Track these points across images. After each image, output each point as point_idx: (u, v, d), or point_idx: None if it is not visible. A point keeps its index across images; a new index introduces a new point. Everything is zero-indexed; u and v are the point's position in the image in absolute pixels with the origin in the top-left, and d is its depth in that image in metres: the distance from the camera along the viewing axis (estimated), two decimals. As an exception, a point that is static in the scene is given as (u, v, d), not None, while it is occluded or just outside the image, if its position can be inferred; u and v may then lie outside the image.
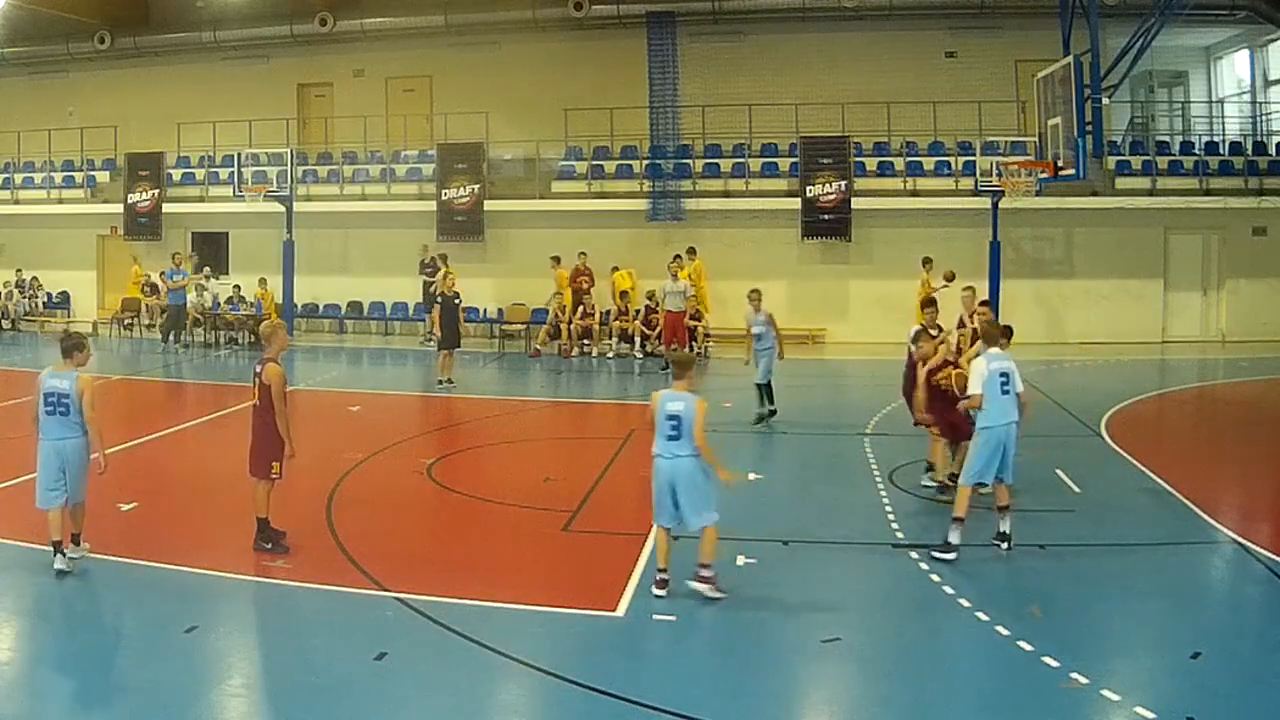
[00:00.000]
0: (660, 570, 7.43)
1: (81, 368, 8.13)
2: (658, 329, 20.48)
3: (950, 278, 20.04)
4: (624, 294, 21.63)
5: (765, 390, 13.48)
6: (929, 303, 11.20)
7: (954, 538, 8.14)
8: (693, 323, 20.05)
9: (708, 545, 7.31)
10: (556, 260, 21.89)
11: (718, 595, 7.27)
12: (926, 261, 19.88)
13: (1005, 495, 8.43)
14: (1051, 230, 22.28)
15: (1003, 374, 8.30)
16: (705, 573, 7.32)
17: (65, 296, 26.57)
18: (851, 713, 6.20)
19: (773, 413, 13.48)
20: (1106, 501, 10.00)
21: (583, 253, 21.97)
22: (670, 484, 7.23)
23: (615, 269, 22.03)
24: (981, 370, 8.31)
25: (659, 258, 21.49)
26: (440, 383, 16.66)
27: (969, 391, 8.42)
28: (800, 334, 22.33)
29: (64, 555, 7.81)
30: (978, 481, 8.34)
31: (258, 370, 8.20)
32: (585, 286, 21.82)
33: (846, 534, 9.06)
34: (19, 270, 26.05)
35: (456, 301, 17.18)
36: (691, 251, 21.24)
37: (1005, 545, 8.34)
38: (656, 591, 7.35)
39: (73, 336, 8.44)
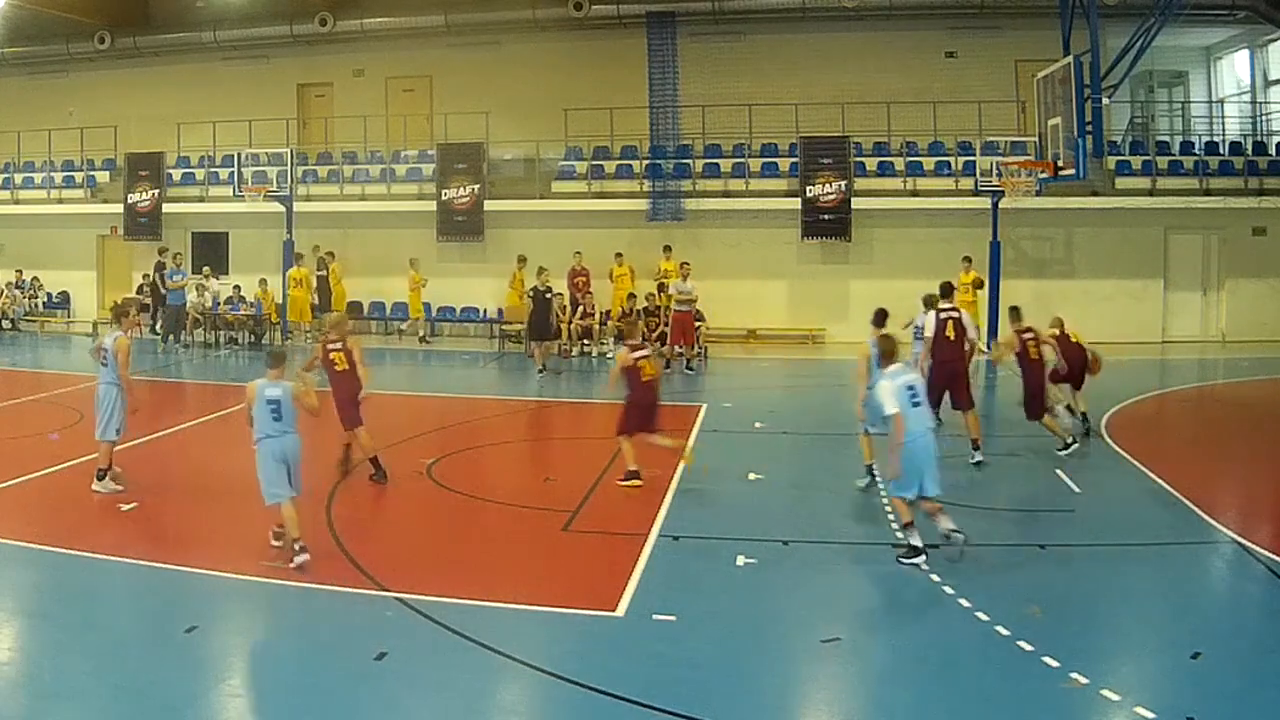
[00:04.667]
0: (296, 539, 7.86)
1: (127, 331, 10.09)
2: (658, 330, 20.47)
3: (980, 284, 20.12)
4: (631, 295, 21.57)
5: None
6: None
7: (914, 540, 8.06)
8: (695, 323, 20.04)
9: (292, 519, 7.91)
10: (619, 257, 22.13)
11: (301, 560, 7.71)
12: (967, 260, 20.31)
13: (933, 506, 8.20)
14: (1051, 230, 22.30)
15: (909, 387, 8.19)
16: (299, 544, 7.85)
17: (65, 297, 26.58)
18: (851, 713, 6.19)
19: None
20: (1106, 501, 10.00)
21: (578, 252, 21.97)
22: (284, 458, 7.95)
23: (619, 255, 22.08)
24: (889, 389, 8.10)
25: (659, 258, 21.51)
26: (542, 371, 18.05)
27: (886, 412, 8.08)
28: (800, 334, 22.37)
29: (100, 481, 9.83)
30: (905, 493, 8.13)
31: (339, 346, 10.54)
32: (582, 286, 21.82)
33: (846, 534, 9.06)
34: (19, 271, 26.06)
35: (548, 296, 18.81)
36: (667, 249, 21.38)
37: (961, 538, 8.10)
38: (301, 558, 7.76)
39: (122, 305, 10.58)
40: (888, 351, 8.57)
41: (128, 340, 10.11)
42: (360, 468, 10.71)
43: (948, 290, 11.57)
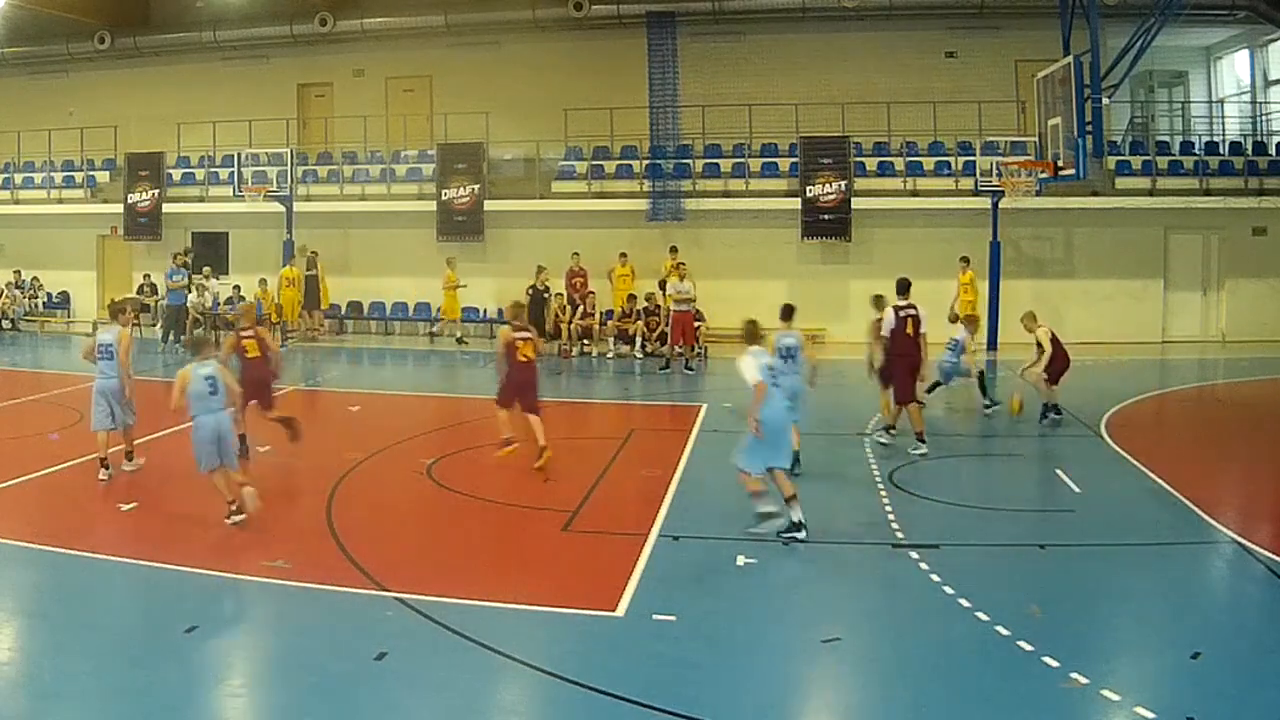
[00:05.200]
0: (231, 501, 8.86)
1: (125, 326, 10.62)
2: (657, 330, 20.49)
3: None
4: (632, 296, 21.54)
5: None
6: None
7: (796, 514, 8.64)
8: (695, 323, 20.05)
9: (238, 481, 8.92)
10: (623, 256, 22.13)
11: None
12: (964, 259, 20.46)
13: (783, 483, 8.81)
14: (1051, 230, 22.30)
15: (770, 367, 8.91)
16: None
17: (65, 296, 26.60)
18: (851, 713, 6.19)
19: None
20: (1106, 501, 9.99)
21: (575, 253, 21.98)
22: (218, 434, 8.84)
23: (623, 254, 22.04)
24: (752, 365, 8.80)
25: (659, 258, 21.50)
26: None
27: (750, 382, 8.75)
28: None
29: (107, 470, 10.25)
30: (753, 469, 8.72)
31: (250, 334, 11.25)
32: (579, 287, 21.82)
33: (846, 534, 9.06)
34: (17, 271, 26.05)
35: (545, 295, 19.15)
36: (674, 250, 21.30)
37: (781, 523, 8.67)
38: (237, 518, 8.79)
39: (118, 303, 11.20)
40: (751, 333, 9.33)
41: (129, 332, 10.54)
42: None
43: (904, 287, 12.02)
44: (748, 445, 8.72)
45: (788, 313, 11.23)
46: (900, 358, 11.82)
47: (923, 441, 11.70)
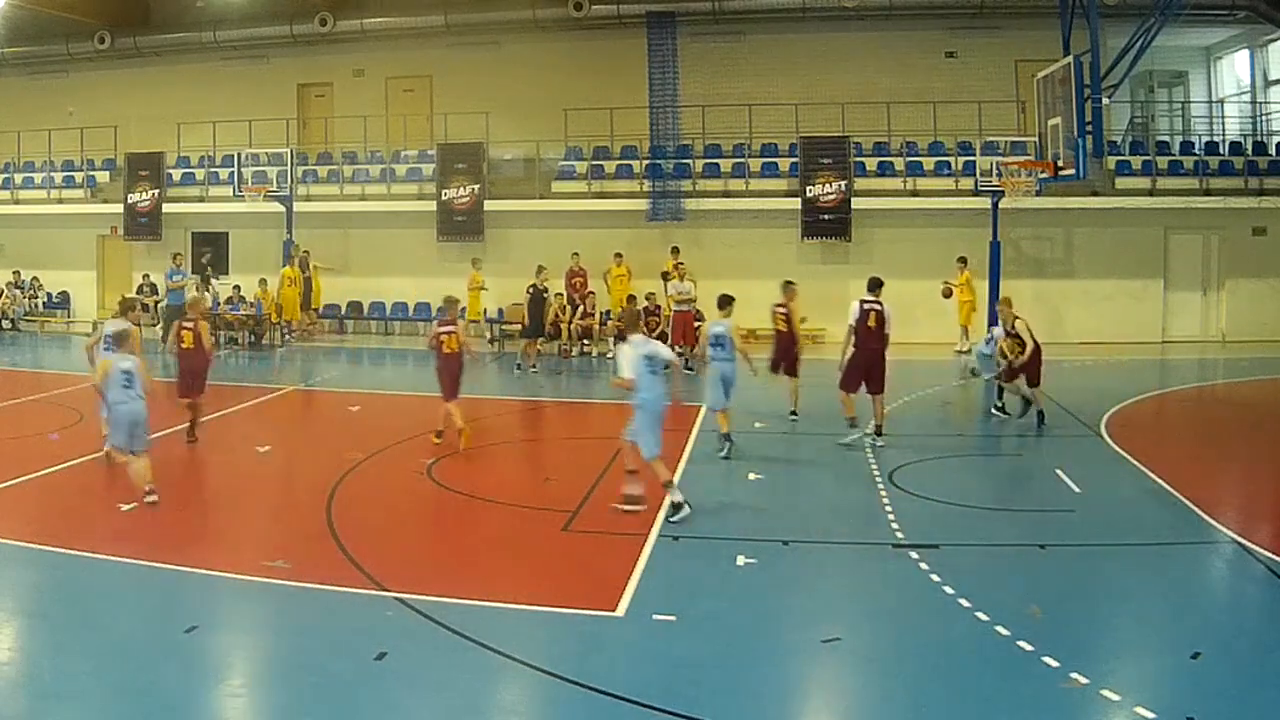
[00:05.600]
0: (147, 483, 9.36)
1: (135, 324, 10.85)
2: (658, 330, 20.47)
3: (948, 294, 20.16)
4: (632, 297, 21.49)
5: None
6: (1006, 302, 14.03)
7: (678, 497, 9.15)
8: (695, 323, 20.04)
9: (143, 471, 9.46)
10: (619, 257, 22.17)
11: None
12: (962, 260, 20.66)
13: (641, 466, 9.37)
14: (1051, 230, 22.29)
15: (648, 357, 9.29)
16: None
17: (65, 296, 26.60)
18: (851, 713, 6.19)
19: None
20: (1106, 501, 10.00)
21: (575, 253, 21.97)
22: (135, 420, 9.38)
23: (618, 255, 22.03)
24: (630, 356, 9.26)
25: (659, 258, 21.48)
26: (519, 368, 18.73)
27: (625, 375, 9.27)
28: (800, 334, 22.31)
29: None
30: (656, 452, 9.21)
31: (190, 325, 12.13)
32: (579, 287, 21.81)
33: (846, 534, 9.06)
34: (16, 271, 26.05)
35: (544, 295, 19.23)
36: (675, 250, 21.25)
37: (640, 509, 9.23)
38: (151, 498, 9.29)
39: (129, 299, 11.87)
40: (631, 322, 9.99)
41: (138, 331, 10.84)
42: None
43: (875, 285, 12.57)
44: (639, 432, 9.20)
45: (723, 302, 11.93)
46: (858, 350, 12.22)
47: (855, 427, 12.28)
